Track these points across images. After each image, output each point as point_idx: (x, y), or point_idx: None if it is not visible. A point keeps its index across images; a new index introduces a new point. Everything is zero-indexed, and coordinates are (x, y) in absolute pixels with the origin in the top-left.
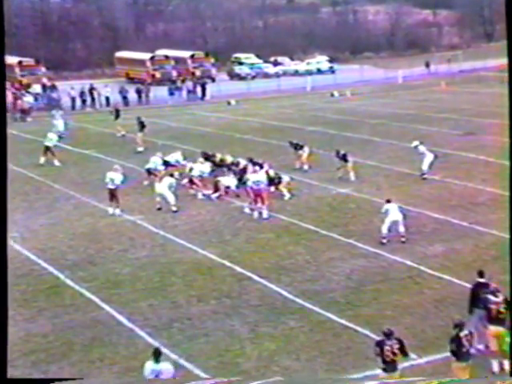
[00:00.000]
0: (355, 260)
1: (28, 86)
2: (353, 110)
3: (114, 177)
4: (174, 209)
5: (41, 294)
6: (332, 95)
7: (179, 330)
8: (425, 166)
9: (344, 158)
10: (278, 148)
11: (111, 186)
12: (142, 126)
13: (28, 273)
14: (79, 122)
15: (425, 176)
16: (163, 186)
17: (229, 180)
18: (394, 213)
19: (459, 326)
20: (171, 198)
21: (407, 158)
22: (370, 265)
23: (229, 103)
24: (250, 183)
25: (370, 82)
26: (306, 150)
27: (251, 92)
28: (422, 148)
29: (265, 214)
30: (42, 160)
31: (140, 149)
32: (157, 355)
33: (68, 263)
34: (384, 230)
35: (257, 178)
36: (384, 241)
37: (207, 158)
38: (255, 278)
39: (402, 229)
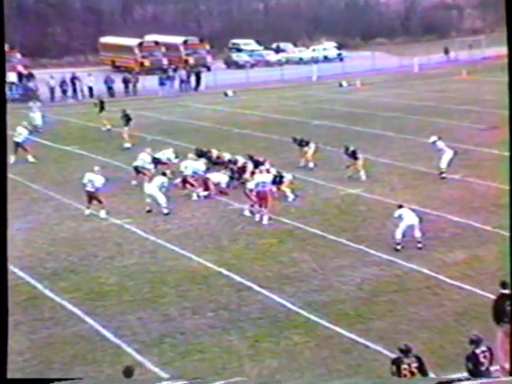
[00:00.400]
0: (366, 268)
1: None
2: (363, 102)
3: (94, 178)
4: (166, 211)
5: (17, 306)
6: (340, 85)
7: (171, 346)
8: (443, 164)
9: (353, 155)
10: (280, 144)
11: (90, 189)
12: (127, 119)
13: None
14: (59, 115)
15: (443, 175)
16: (153, 186)
17: (219, 176)
18: (408, 217)
19: (476, 342)
20: (162, 200)
21: (424, 155)
22: (383, 273)
23: (226, 94)
24: (251, 185)
25: (383, 70)
26: (312, 146)
27: (250, 82)
28: (440, 144)
29: (265, 219)
30: (12, 159)
31: (127, 145)
32: (128, 374)
33: (47, 272)
34: (398, 235)
35: (262, 178)
36: (398, 247)
37: (201, 154)
38: (256, 287)
39: (418, 234)
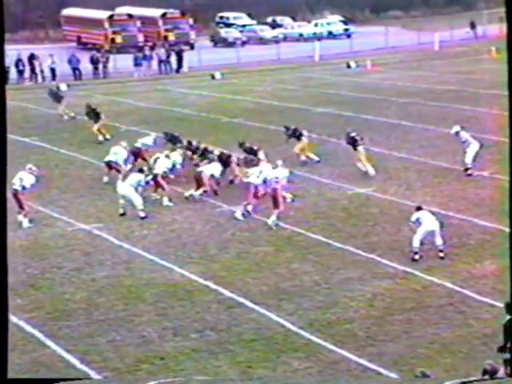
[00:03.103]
0: (379, 281)
1: None
2: (375, 86)
3: (25, 177)
4: (142, 214)
5: None
6: (348, 66)
7: (149, 374)
8: (469, 159)
9: (353, 143)
10: (278, 135)
11: (16, 187)
12: (96, 115)
13: None
14: (15, 100)
15: (470, 171)
16: (128, 185)
17: (212, 167)
18: (428, 221)
19: (490, 374)
20: (138, 201)
21: (446, 148)
22: (398, 288)
23: (213, 77)
24: (256, 180)
25: (398, 48)
26: (305, 138)
27: (242, 62)
28: (464, 135)
29: (272, 219)
30: None
31: (101, 138)
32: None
33: None
34: (416, 242)
35: (275, 173)
36: (416, 256)
37: (181, 146)
38: (248, 304)
39: (439, 241)
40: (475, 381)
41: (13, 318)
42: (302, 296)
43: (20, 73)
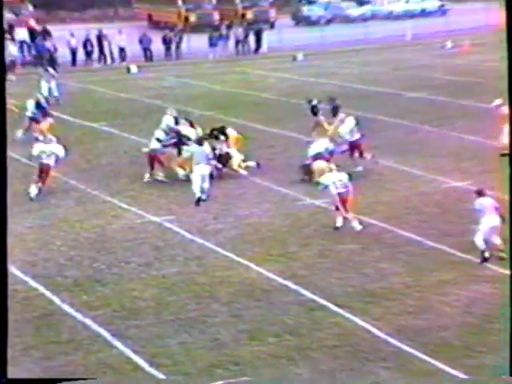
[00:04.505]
0: (477, 285)
1: (9, 30)
2: (473, 68)
3: (52, 149)
4: (204, 197)
5: (27, 325)
6: (443, 46)
7: (222, 379)
8: None
9: (334, 112)
10: (365, 123)
11: (44, 161)
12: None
13: (10, 295)
14: (83, 83)
15: None
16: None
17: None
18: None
19: None
20: (207, 185)
21: None
22: (497, 292)
23: (294, 58)
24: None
25: (500, 26)
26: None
27: (326, 43)
28: None
29: (356, 225)
30: (20, 133)
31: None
32: None
33: (67, 282)
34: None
35: (339, 176)
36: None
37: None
38: (331, 307)
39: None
40: None
41: (78, 316)
42: (391, 299)
43: (88, 54)
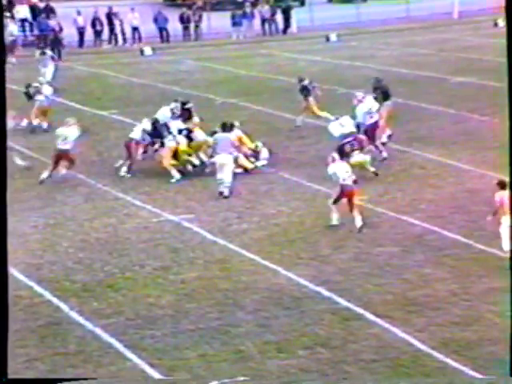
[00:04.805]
0: None
1: (9, 7)
2: None
3: (68, 133)
4: (226, 192)
5: (32, 335)
6: (495, 25)
7: None
8: None
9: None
10: (407, 110)
11: (62, 146)
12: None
13: (12, 301)
14: (91, 67)
15: None
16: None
17: None
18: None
19: None
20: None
21: None
22: None
23: (327, 39)
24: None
25: None
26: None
27: (363, 21)
28: None
29: (358, 222)
30: (36, 121)
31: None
32: None
33: (75, 287)
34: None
35: (343, 167)
36: None
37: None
38: (369, 316)
39: None
40: None
41: (87, 324)
42: (435, 309)
43: (97, 34)
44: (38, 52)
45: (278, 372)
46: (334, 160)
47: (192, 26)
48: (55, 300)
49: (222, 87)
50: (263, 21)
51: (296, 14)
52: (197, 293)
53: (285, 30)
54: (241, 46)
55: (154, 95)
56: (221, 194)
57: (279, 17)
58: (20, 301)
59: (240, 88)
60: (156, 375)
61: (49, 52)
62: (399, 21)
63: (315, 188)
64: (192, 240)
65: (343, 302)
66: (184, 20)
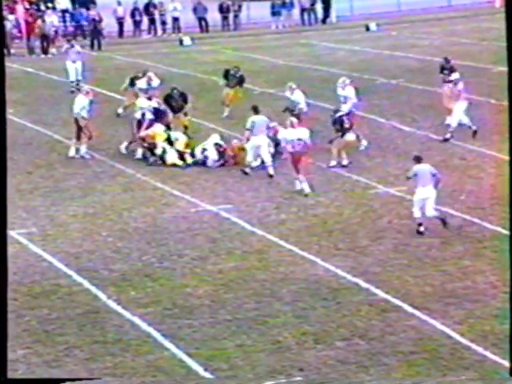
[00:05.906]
0: None
1: None
2: None
3: (86, 103)
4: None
5: (71, 323)
6: None
7: None
8: None
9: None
10: None
11: (84, 116)
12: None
13: (51, 290)
14: (132, 57)
15: None
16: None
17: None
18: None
19: None
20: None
21: None
22: None
23: (367, 28)
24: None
25: None
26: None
27: (403, 11)
28: None
29: (306, 189)
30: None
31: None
32: None
33: (113, 276)
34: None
35: (296, 134)
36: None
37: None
38: (407, 308)
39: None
40: None
41: (125, 313)
42: (475, 301)
43: (136, 24)
44: (66, 45)
45: (315, 363)
46: (292, 125)
47: (231, 15)
48: (93, 289)
49: (261, 77)
50: (302, 10)
51: (335, 4)
52: (234, 283)
53: (324, 20)
54: (280, 35)
55: (193, 85)
56: (270, 176)
57: (319, 6)
58: (59, 289)
59: (279, 78)
60: (194, 365)
61: (77, 47)
62: (440, 9)
63: (354, 179)
64: (230, 230)
65: (381, 294)
66: (223, 10)
